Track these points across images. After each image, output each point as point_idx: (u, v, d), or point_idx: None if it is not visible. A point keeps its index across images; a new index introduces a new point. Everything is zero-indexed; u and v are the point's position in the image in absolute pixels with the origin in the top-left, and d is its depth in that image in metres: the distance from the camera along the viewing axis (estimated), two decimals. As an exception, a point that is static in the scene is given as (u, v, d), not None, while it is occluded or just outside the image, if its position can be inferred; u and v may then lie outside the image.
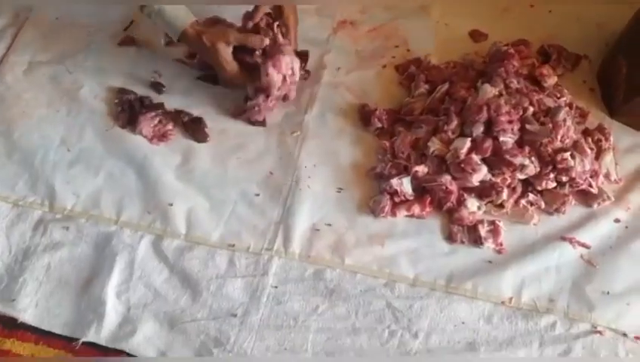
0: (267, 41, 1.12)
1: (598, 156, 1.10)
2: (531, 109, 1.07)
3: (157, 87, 1.23)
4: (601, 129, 1.13)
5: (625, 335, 0.97)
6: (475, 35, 1.28)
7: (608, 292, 1.00)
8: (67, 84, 1.24)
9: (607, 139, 1.11)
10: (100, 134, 1.17)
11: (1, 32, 1.32)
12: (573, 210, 1.07)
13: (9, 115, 1.20)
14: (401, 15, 1.32)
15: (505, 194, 1.05)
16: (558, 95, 1.14)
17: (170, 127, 1.17)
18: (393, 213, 1.07)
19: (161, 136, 1.16)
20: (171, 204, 1.09)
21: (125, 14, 1.33)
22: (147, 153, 1.14)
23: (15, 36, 1.31)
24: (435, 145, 1.08)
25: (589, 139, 1.10)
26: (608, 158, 1.11)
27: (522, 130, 1.06)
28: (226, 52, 1.11)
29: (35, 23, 1.33)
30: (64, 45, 1.30)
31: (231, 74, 1.13)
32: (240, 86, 1.16)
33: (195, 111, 1.19)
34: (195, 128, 1.17)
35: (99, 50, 1.28)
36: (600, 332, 0.97)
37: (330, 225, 1.07)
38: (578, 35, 1.27)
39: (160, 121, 1.17)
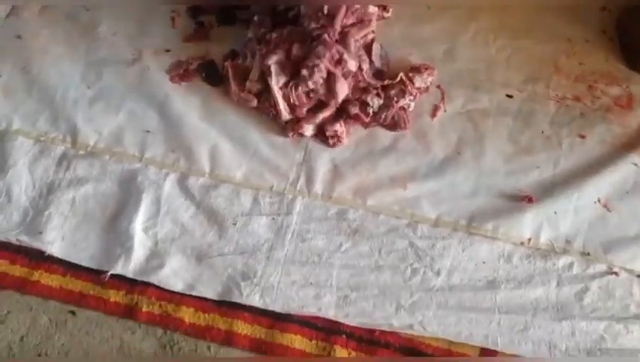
0: None
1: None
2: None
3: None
4: None
5: (640, 276, 1.00)
6: None
7: (624, 235, 1.03)
8: (85, 21, 1.22)
9: None
10: (120, 72, 1.17)
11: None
12: (591, 151, 1.09)
13: (27, 51, 1.19)
14: None
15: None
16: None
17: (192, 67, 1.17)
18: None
19: (182, 76, 1.16)
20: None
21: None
22: (168, 92, 1.14)
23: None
24: None
25: None
26: None
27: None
28: None
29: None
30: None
31: None
32: None
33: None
34: (209, 71, 1.16)
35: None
36: (615, 273, 1.00)
37: (352, 167, 1.08)
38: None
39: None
